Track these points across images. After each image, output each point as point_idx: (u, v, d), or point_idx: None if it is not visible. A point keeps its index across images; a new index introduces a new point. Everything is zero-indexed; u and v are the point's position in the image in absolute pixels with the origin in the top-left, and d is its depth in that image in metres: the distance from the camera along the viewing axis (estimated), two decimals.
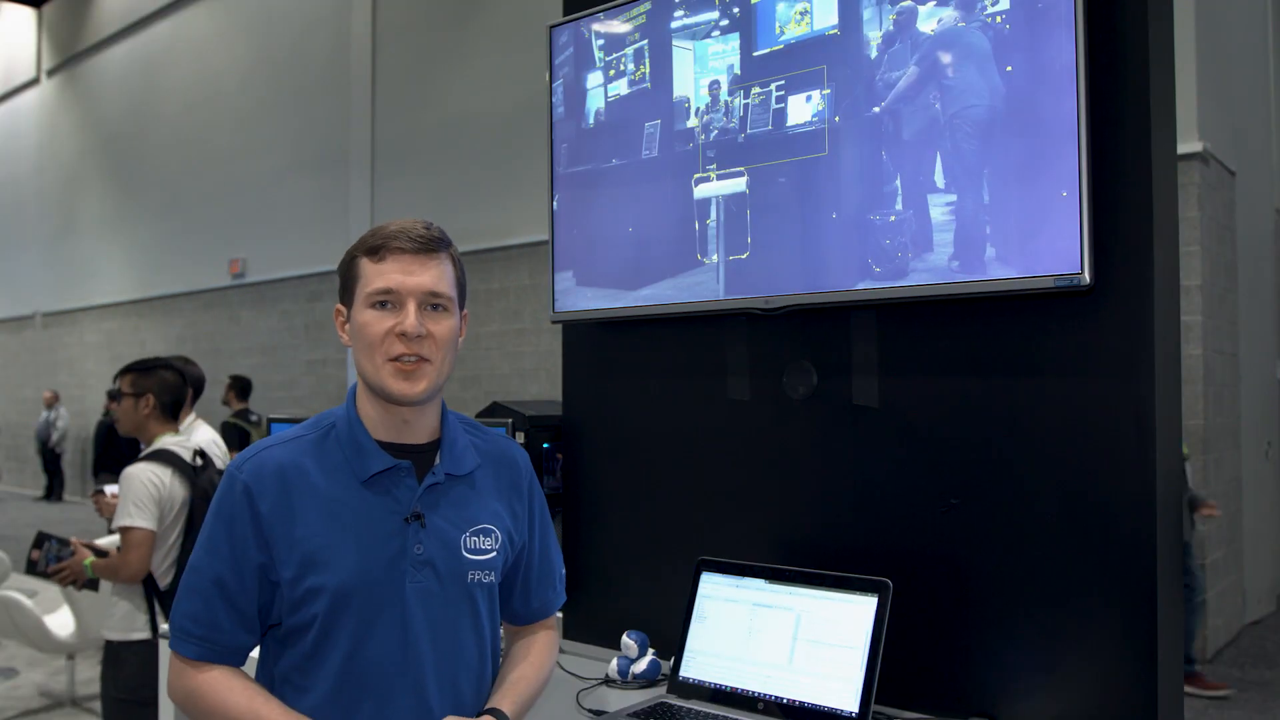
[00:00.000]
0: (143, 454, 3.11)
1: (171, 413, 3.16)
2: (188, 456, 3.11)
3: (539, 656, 1.60)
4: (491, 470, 1.54)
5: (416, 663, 1.40)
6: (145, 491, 2.95)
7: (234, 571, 1.38)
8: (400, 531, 1.41)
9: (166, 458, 3.05)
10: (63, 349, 16.78)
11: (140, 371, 3.14)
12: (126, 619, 3.02)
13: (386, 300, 1.40)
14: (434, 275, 1.42)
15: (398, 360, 1.39)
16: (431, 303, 1.42)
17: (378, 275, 1.40)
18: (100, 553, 3.10)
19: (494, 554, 1.49)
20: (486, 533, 1.49)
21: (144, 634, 3.00)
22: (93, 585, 3.14)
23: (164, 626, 2.96)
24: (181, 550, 3.02)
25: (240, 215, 12.80)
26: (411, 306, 1.39)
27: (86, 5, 16.37)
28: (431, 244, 1.42)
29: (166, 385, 3.13)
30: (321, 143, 11.63)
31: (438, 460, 1.47)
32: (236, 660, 1.42)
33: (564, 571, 1.69)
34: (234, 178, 12.94)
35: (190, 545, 2.93)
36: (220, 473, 3.08)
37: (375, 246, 1.41)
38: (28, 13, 17.94)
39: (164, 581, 3.01)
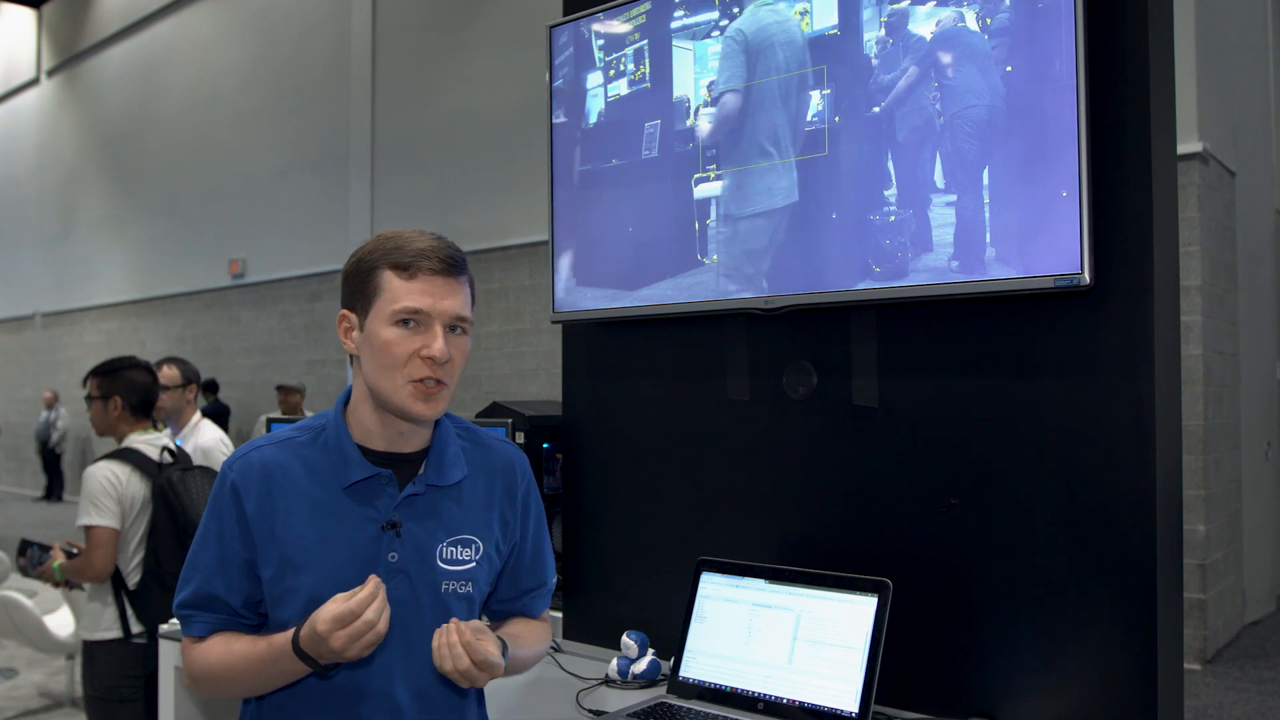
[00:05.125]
0: (106, 453, 3.12)
1: (143, 412, 3.13)
2: (154, 454, 3.07)
3: (534, 630, 1.61)
4: (484, 479, 1.53)
5: (385, 668, 1.41)
6: (102, 489, 2.95)
7: (221, 566, 1.42)
8: (376, 539, 1.42)
9: (126, 455, 3.04)
10: (63, 349, 16.78)
11: (105, 374, 3.13)
12: (95, 618, 3.03)
13: (412, 319, 1.38)
14: (461, 299, 1.41)
15: (420, 382, 1.38)
16: (455, 325, 1.41)
17: (406, 293, 1.38)
18: (75, 554, 3.10)
19: (472, 565, 1.47)
20: (466, 543, 1.47)
21: (114, 633, 3.00)
22: (78, 584, 3.15)
23: (136, 626, 2.96)
24: (147, 548, 2.99)
25: (240, 215, 12.79)
26: (439, 330, 1.38)
27: (86, 5, 16.37)
28: (458, 265, 1.42)
29: (134, 385, 3.10)
30: (321, 143, 11.63)
31: (421, 470, 1.47)
32: (236, 630, 1.44)
33: (553, 584, 1.66)
34: (234, 178, 12.94)
35: (155, 543, 2.95)
36: (187, 470, 3.05)
37: (404, 263, 1.38)
38: (28, 13, 17.94)
39: (132, 580, 3.00)
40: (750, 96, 1.96)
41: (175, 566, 2.89)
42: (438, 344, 1.37)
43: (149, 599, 2.98)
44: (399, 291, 1.38)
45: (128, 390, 3.10)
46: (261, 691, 1.43)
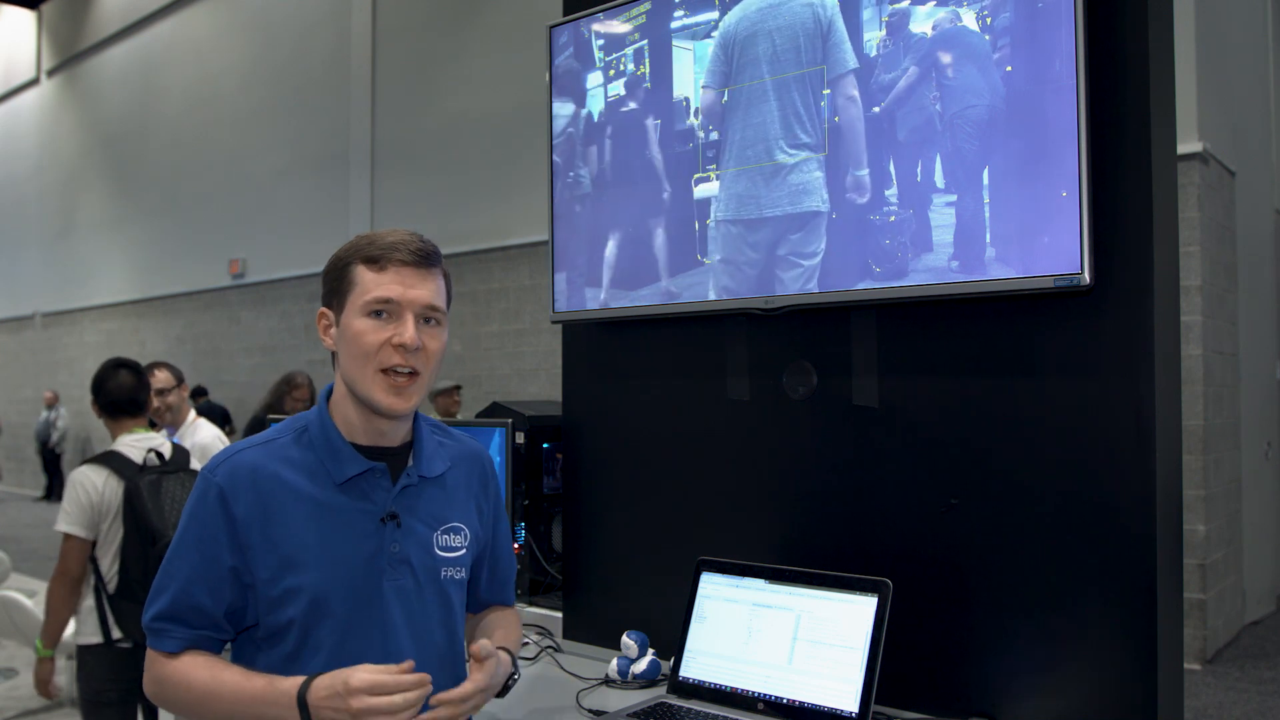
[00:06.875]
0: (90, 456, 3.13)
1: (125, 412, 3.13)
2: (138, 456, 3.05)
3: (511, 619, 1.69)
4: (463, 471, 1.59)
5: (396, 659, 1.41)
6: (75, 496, 2.97)
7: (203, 574, 1.38)
8: (377, 532, 1.44)
9: (108, 459, 3.04)
10: (63, 349, 16.78)
11: (94, 378, 3.18)
12: (83, 622, 3.06)
13: (384, 310, 1.41)
14: (432, 289, 1.44)
15: (391, 371, 1.41)
16: (427, 316, 1.44)
17: (377, 284, 1.41)
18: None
19: (463, 551, 1.54)
20: (456, 531, 1.53)
21: (97, 638, 3.00)
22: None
23: (116, 632, 2.97)
24: (124, 554, 2.96)
25: (240, 215, 12.80)
26: (410, 319, 1.41)
27: (86, 5, 16.37)
28: (429, 257, 1.45)
29: (102, 387, 3.13)
30: (321, 143, 11.63)
31: (410, 462, 1.50)
32: (210, 649, 1.42)
33: (515, 571, 1.76)
34: (234, 178, 12.95)
35: (132, 547, 2.94)
36: (166, 474, 3.01)
37: (374, 256, 1.42)
38: (28, 13, 17.95)
39: (111, 586, 2.99)
40: (738, 97, 1.96)
41: (139, 573, 2.91)
42: (408, 332, 1.40)
43: (124, 605, 2.98)
44: (370, 283, 1.41)
45: (98, 391, 3.14)
46: None
